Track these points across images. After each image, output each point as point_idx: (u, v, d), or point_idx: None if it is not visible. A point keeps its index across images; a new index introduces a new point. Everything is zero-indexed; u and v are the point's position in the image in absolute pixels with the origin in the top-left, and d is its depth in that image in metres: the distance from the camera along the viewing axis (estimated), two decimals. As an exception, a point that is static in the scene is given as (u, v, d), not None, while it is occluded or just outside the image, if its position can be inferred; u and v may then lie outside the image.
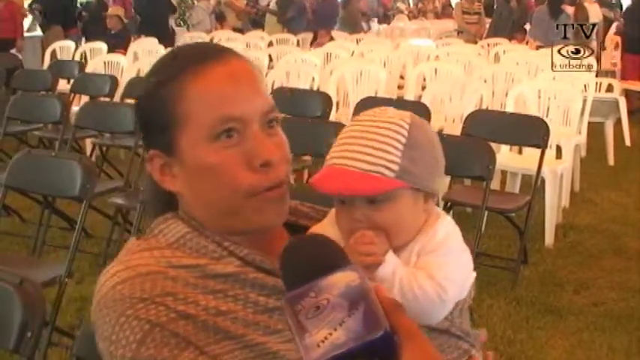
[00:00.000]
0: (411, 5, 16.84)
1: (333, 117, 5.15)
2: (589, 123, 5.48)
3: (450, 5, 14.81)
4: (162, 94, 0.98)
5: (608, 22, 10.88)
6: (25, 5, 10.71)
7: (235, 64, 1.00)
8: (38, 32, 10.72)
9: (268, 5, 11.71)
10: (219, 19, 11.46)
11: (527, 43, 9.39)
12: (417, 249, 1.00)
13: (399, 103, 4.96)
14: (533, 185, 4.09)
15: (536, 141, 4.07)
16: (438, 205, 1.06)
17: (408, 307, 0.92)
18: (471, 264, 1.03)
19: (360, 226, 0.98)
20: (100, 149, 5.35)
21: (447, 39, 9.94)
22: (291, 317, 0.72)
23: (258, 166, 0.97)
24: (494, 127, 4.21)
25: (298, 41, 9.49)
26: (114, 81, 5.86)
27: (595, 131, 6.12)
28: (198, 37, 9.41)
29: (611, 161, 6.33)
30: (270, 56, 7.39)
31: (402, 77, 7.05)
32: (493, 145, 3.84)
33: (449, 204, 3.90)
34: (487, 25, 10.73)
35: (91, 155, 5.41)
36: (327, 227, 1.03)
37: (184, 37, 9.69)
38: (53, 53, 8.39)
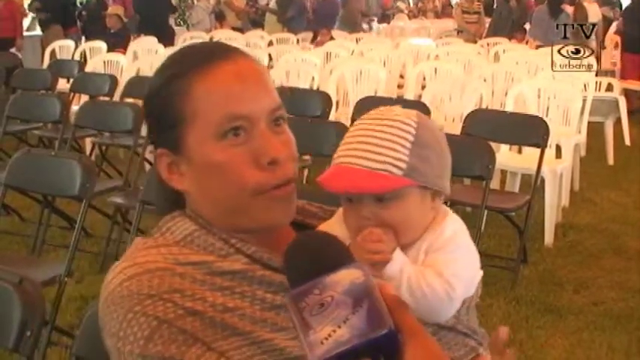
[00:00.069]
0: (411, 4, 16.85)
1: (332, 116, 5.15)
2: (589, 122, 5.48)
3: (450, 5, 14.82)
4: (169, 93, 0.99)
5: (608, 22, 10.87)
6: (25, 5, 10.71)
7: (242, 63, 1.00)
8: (38, 31, 10.72)
9: (268, 4, 11.71)
10: (219, 18, 11.45)
11: (526, 42, 9.39)
12: (425, 247, 1.00)
13: (399, 103, 4.94)
14: (533, 185, 4.09)
15: (536, 140, 4.07)
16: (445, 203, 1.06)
17: (416, 304, 0.93)
18: (478, 262, 1.03)
19: (368, 224, 0.98)
20: (100, 148, 5.34)
21: (446, 38, 9.93)
22: (295, 314, 0.72)
23: (265, 164, 0.97)
24: (493, 126, 4.21)
25: (298, 40, 9.49)
26: (113, 80, 5.84)
27: (595, 131, 6.12)
28: (198, 36, 9.40)
29: (610, 161, 6.33)
30: (270, 55, 7.39)
31: (401, 76, 7.04)
32: (493, 144, 3.83)
33: (448, 203, 3.88)
34: (487, 25, 10.73)
35: (90, 154, 5.41)
36: (335, 226, 1.03)
37: (184, 37, 9.68)
38: (53, 52, 8.39)
